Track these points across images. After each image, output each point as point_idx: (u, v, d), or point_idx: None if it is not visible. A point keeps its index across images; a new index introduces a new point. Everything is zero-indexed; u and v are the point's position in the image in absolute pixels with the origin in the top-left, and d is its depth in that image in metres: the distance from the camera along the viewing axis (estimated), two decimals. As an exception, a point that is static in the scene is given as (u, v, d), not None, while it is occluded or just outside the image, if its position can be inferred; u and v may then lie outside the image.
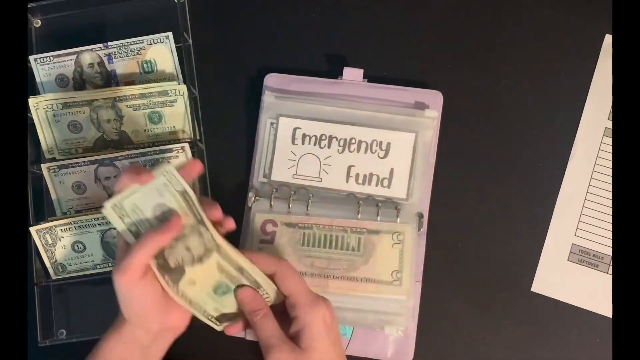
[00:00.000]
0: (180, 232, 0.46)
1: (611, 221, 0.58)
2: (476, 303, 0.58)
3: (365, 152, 0.58)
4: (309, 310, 0.46)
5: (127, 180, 0.46)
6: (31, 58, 0.60)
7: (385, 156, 0.57)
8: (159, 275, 0.46)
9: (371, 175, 0.58)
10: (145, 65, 0.61)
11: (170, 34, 0.60)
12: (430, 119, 0.57)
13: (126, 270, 0.45)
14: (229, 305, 0.49)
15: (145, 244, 0.45)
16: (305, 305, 0.46)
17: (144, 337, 0.49)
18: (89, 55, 0.61)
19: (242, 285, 0.48)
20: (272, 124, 0.59)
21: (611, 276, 0.57)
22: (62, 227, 0.57)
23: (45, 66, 0.61)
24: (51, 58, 0.61)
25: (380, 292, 0.55)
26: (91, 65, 0.61)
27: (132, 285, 0.46)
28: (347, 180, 0.58)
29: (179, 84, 0.59)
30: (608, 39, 0.60)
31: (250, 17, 0.63)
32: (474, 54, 0.61)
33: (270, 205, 0.57)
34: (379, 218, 0.56)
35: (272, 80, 0.60)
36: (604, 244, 0.58)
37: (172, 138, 0.60)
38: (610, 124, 0.59)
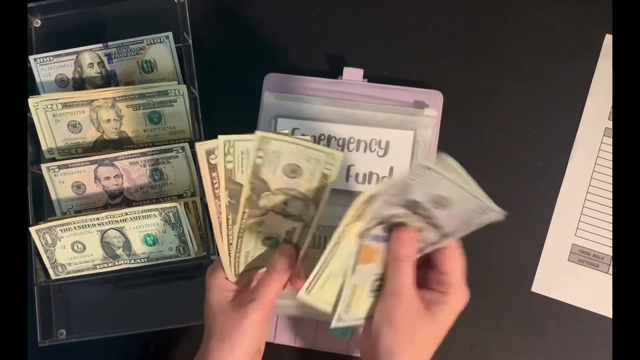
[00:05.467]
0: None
1: (611, 221, 0.58)
2: (476, 303, 0.58)
3: (365, 151, 0.58)
4: (459, 296, 0.45)
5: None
6: (31, 58, 0.60)
7: (384, 155, 0.57)
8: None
9: (371, 174, 0.58)
10: (145, 65, 0.61)
11: (170, 34, 0.60)
12: (430, 117, 0.57)
13: (263, 306, 0.45)
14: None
15: (273, 286, 0.46)
16: (458, 289, 0.45)
17: None
18: (88, 55, 0.61)
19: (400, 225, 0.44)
20: (272, 123, 0.59)
21: (611, 276, 0.57)
22: (62, 227, 0.57)
23: (45, 66, 0.61)
24: (51, 58, 0.61)
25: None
26: (91, 65, 0.61)
27: (266, 321, 0.46)
28: (347, 180, 0.58)
29: (179, 84, 0.59)
30: (608, 39, 0.60)
31: (251, 17, 0.63)
32: (474, 53, 0.61)
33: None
34: (379, 218, 0.56)
35: (272, 80, 0.60)
36: (604, 244, 0.58)
37: (172, 138, 0.60)
38: (610, 124, 0.59)
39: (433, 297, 0.45)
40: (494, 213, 0.41)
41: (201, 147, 0.43)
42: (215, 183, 0.44)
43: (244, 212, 0.45)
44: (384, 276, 0.45)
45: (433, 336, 0.44)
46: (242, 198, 0.44)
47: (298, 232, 0.47)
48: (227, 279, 0.48)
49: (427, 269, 0.46)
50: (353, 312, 0.45)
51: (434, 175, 0.39)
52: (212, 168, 0.44)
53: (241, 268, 0.48)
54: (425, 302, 0.44)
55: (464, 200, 0.41)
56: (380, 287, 0.45)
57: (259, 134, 0.42)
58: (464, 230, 0.43)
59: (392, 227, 0.44)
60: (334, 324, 0.45)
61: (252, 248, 0.48)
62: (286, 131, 0.44)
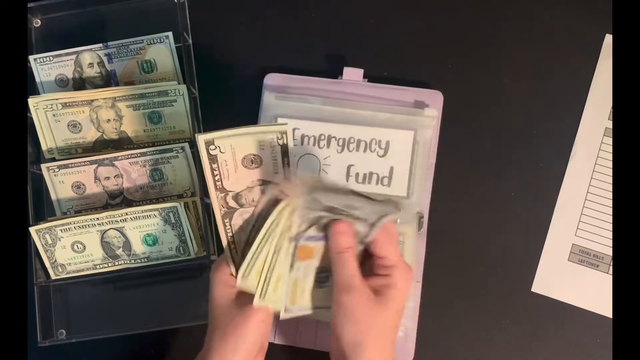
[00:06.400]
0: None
1: (611, 221, 0.58)
2: (476, 303, 0.58)
3: (365, 151, 0.58)
4: (403, 273, 0.47)
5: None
6: (31, 58, 0.60)
7: (384, 155, 0.57)
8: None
9: (371, 174, 0.58)
10: (145, 65, 0.61)
11: (170, 34, 0.60)
12: (430, 117, 0.57)
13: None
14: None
15: None
16: (401, 268, 0.47)
17: None
18: (88, 55, 0.61)
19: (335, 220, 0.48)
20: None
21: (611, 276, 0.57)
22: (62, 227, 0.57)
23: (45, 66, 0.61)
24: (51, 58, 0.61)
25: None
26: (91, 65, 0.61)
27: (269, 319, 0.47)
28: (347, 180, 0.58)
29: (179, 84, 0.59)
30: (608, 39, 0.60)
31: (251, 16, 0.63)
32: (474, 53, 0.61)
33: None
34: (379, 218, 0.56)
35: (272, 80, 0.60)
36: (604, 244, 0.58)
37: (172, 138, 0.60)
38: (610, 124, 0.59)
39: (379, 282, 0.47)
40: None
41: (201, 137, 0.44)
42: (217, 175, 0.44)
43: (223, 218, 0.47)
44: (330, 272, 0.48)
45: (390, 320, 0.46)
46: (215, 208, 0.46)
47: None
48: (232, 274, 0.48)
49: (368, 260, 0.48)
50: (299, 303, 0.48)
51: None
52: (212, 159, 0.44)
53: (249, 270, 0.49)
54: (373, 289, 0.46)
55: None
56: (325, 279, 0.48)
57: (200, 137, 0.44)
58: (384, 216, 0.47)
59: (325, 226, 0.47)
60: (282, 315, 0.48)
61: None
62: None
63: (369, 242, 0.48)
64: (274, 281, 0.46)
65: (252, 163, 0.45)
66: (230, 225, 0.47)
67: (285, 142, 0.45)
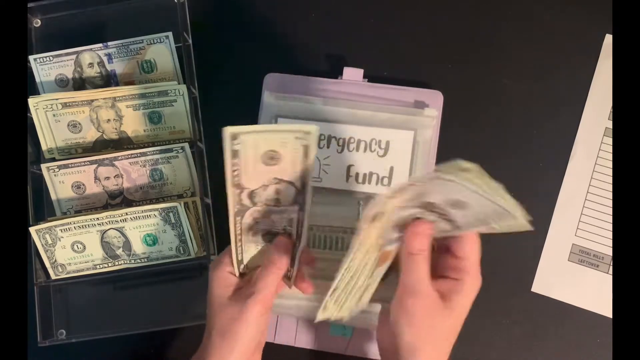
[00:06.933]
0: None
1: (611, 221, 0.58)
2: (476, 303, 0.58)
3: (365, 151, 0.58)
4: (474, 282, 0.45)
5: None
6: (31, 58, 0.60)
7: (384, 155, 0.57)
8: None
9: (371, 174, 0.58)
10: (145, 65, 0.61)
11: (170, 34, 0.60)
12: (430, 117, 0.57)
13: (262, 299, 0.45)
14: None
15: (270, 275, 0.46)
16: (473, 276, 0.45)
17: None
18: (88, 55, 0.61)
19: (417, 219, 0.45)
20: (272, 123, 0.59)
21: (611, 276, 0.57)
22: (62, 227, 0.57)
23: (45, 66, 0.61)
24: (51, 58, 0.61)
25: (380, 292, 0.55)
26: (91, 65, 0.61)
27: (266, 314, 0.46)
28: (347, 180, 0.58)
29: (179, 84, 0.59)
30: (608, 39, 0.60)
31: (250, 16, 0.63)
32: (474, 53, 0.61)
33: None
34: (379, 218, 0.56)
35: (272, 80, 0.60)
36: (604, 244, 0.58)
37: (172, 138, 0.60)
38: (610, 124, 0.59)
39: (447, 286, 0.44)
40: (516, 220, 0.40)
41: (227, 130, 0.42)
42: (236, 170, 0.44)
43: (236, 215, 0.45)
44: (399, 271, 0.45)
45: (452, 327, 0.44)
46: (230, 204, 0.45)
47: (295, 223, 0.47)
48: (231, 273, 0.48)
49: (440, 254, 0.46)
50: (362, 302, 0.47)
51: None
52: (234, 154, 0.43)
53: (244, 265, 0.48)
54: (440, 293, 0.44)
55: (483, 205, 0.41)
56: (386, 275, 0.46)
57: (227, 130, 0.42)
58: (479, 227, 0.43)
59: (405, 226, 0.45)
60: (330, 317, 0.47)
61: (254, 246, 0.48)
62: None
63: (450, 238, 0.45)
64: (348, 292, 0.46)
65: (272, 160, 0.44)
66: (241, 223, 0.47)
67: (308, 143, 0.43)
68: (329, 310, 0.47)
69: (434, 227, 0.45)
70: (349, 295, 0.46)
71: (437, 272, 0.45)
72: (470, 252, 0.45)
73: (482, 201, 0.40)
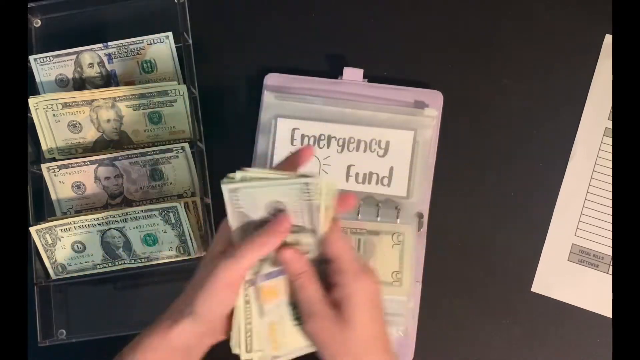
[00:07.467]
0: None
1: (611, 221, 0.58)
2: (476, 303, 0.58)
3: (365, 151, 0.58)
4: (353, 280, 0.42)
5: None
6: (31, 58, 0.60)
7: (384, 155, 0.57)
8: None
9: (371, 174, 0.58)
10: (145, 65, 0.61)
11: (170, 34, 0.60)
12: (430, 117, 0.57)
13: (237, 269, 0.42)
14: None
15: (258, 245, 0.42)
16: (350, 274, 0.42)
17: (192, 339, 0.45)
18: (88, 55, 0.61)
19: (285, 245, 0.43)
20: (272, 123, 0.59)
21: (611, 276, 0.57)
22: (62, 227, 0.57)
23: (45, 66, 0.61)
24: (51, 58, 0.61)
25: (380, 292, 0.54)
26: (91, 65, 0.61)
27: (237, 287, 0.43)
28: (347, 180, 0.58)
29: (179, 84, 0.59)
30: (608, 39, 0.60)
31: (250, 17, 0.63)
32: (474, 53, 0.61)
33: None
34: (378, 218, 0.56)
35: (272, 80, 0.60)
36: (604, 244, 0.58)
37: (172, 138, 0.60)
38: (610, 124, 0.59)
39: (337, 294, 0.42)
40: (311, 179, 0.39)
41: (225, 187, 0.40)
42: (240, 209, 0.42)
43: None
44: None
45: (361, 333, 0.42)
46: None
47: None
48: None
49: (327, 264, 0.44)
50: (285, 347, 0.44)
51: (244, 191, 0.40)
52: (236, 205, 0.42)
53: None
54: (334, 304, 0.42)
55: (287, 192, 0.40)
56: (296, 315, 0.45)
57: (225, 186, 0.40)
58: (323, 217, 0.41)
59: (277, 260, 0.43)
60: None
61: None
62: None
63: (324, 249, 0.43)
64: (255, 332, 0.44)
65: (275, 209, 0.42)
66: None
67: (310, 198, 0.40)
68: (241, 351, 0.44)
69: (302, 248, 0.43)
70: (252, 336, 0.44)
71: (329, 281, 0.43)
72: (339, 251, 0.43)
73: (280, 188, 0.40)
